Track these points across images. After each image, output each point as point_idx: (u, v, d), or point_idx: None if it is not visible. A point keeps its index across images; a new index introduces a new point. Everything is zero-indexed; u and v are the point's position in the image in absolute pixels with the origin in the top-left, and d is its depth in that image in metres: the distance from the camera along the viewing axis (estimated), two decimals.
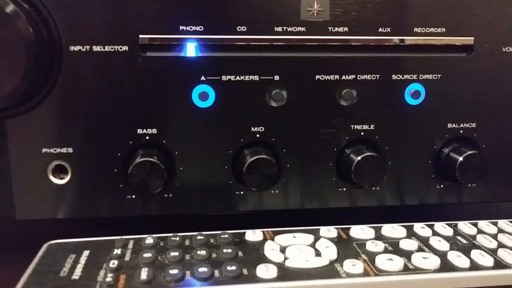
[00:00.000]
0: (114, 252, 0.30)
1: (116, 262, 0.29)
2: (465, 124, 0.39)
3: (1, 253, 0.37)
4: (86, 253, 0.31)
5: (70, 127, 0.34)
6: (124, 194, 0.36)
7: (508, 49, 0.38)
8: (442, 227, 0.35)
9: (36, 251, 0.31)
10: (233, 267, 0.28)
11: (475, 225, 0.35)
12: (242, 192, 0.37)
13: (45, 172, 0.35)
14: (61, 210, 0.35)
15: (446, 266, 0.30)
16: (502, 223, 0.35)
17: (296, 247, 0.31)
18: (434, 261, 0.30)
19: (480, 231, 0.34)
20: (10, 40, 0.30)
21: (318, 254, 0.31)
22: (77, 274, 0.28)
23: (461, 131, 0.39)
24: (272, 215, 0.38)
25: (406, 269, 0.29)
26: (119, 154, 0.35)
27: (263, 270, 0.28)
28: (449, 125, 0.39)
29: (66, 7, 0.33)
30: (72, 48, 0.33)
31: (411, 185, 0.39)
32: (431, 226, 0.35)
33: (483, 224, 0.35)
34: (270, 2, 0.35)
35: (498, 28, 0.38)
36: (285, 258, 0.30)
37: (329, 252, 0.31)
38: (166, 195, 0.36)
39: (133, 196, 0.36)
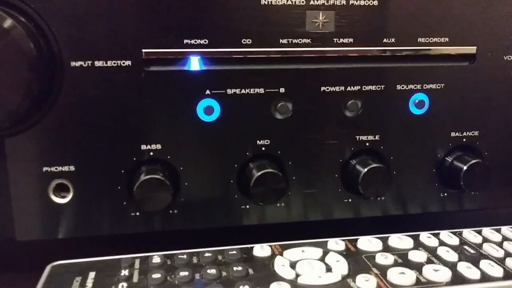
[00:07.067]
0: (122, 274, 0.30)
1: (125, 284, 0.28)
2: (468, 133, 0.39)
3: (2, 274, 0.36)
4: (92, 274, 0.30)
5: (72, 144, 0.33)
6: (128, 211, 0.35)
7: (510, 57, 0.38)
8: (447, 236, 0.35)
9: (38, 272, 0.30)
10: (247, 287, 0.28)
11: (480, 232, 0.35)
12: (247, 206, 0.37)
13: (46, 191, 0.34)
14: (63, 229, 0.35)
15: (457, 278, 0.30)
16: (506, 230, 0.36)
17: (306, 262, 0.31)
18: (445, 274, 0.30)
19: (485, 240, 0.34)
20: (10, 57, 0.29)
21: (329, 269, 0.30)
22: None
23: (464, 140, 0.39)
24: (275, 226, 0.38)
25: (418, 283, 0.29)
26: (122, 171, 0.34)
27: None
28: (452, 134, 0.39)
29: (67, 22, 0.32)
30: (73, 63, 0.32)
31: (415, 194, 0.39)
32: (436, 235, 0.35)
33: (488, 232, 0.35)
34: (275, 14, 0.34)
35: (499, 37, 0.38)
36: (297, 275, 0.29)
37: (340, 266, 0.30)
38: (171, 211, 0.36)
39: (137, 213, 0.35)
